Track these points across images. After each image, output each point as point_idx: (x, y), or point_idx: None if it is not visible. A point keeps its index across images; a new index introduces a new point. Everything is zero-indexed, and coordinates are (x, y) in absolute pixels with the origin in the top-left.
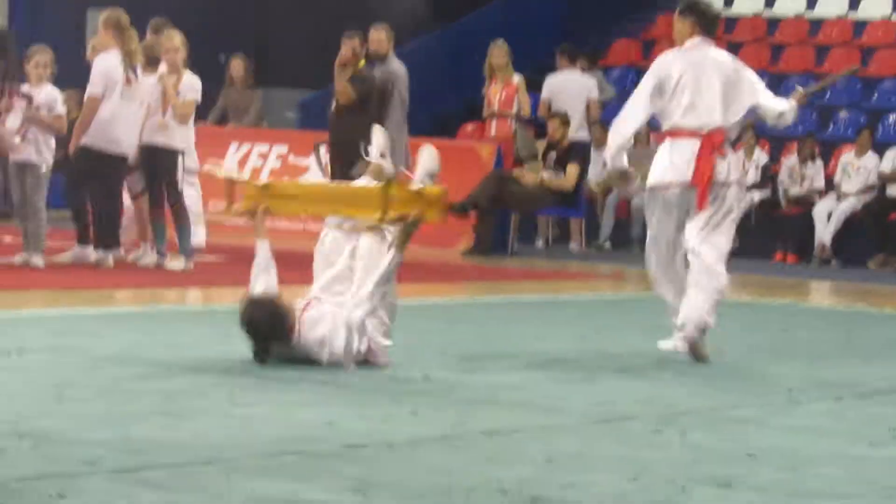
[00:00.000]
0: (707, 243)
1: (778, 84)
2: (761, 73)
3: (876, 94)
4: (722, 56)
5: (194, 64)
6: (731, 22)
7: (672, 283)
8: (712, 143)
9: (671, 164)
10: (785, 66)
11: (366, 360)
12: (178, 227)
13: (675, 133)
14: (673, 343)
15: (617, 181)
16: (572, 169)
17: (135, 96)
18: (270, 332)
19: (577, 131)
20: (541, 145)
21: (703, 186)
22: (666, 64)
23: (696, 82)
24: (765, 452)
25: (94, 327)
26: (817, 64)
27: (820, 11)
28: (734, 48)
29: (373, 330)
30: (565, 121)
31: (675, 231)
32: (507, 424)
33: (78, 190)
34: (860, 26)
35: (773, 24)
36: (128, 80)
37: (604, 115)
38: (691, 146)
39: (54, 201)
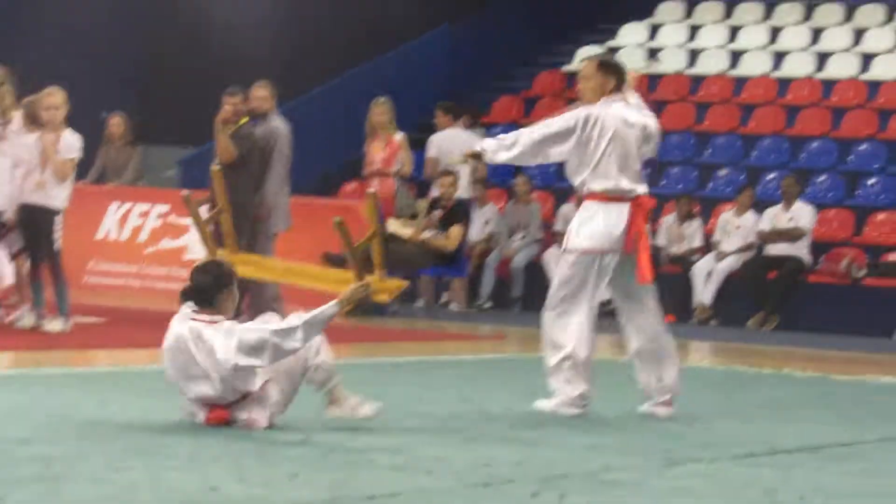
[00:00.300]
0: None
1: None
2: None
3: (756, 152)
4: (634, 114)
5: (76, 121)
6: None
7: (589, 344)
8: (644, 209)
9: (606, 229)
10: (666, 124)
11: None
12: (57, 288)
13: (608, 197)
14: (554, 404)
15: (463, 162)
16: (456, 230)
17: (7, 153)
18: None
19: (463, 190)
20: (423, 203)
21: (647, 256)
22: (595, 119)
23: (624, 143)
24: None
25: None
26: (697, 121)
27: (701, 68)
28: None
29: (276, 394)
30: (456, 180)
31: (600, 295)
32: (386, 488)
33: None
34: (740, 83)
35: (654, 81)
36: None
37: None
38: (624, 210)
39: None
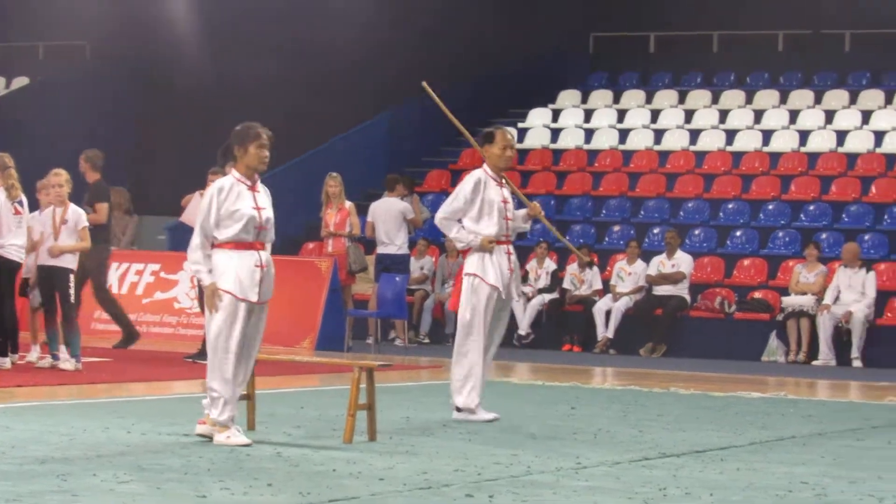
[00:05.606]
0: None
1: (562, 204)
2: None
3: (642, 212)
4: None
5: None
6: (525, 153)
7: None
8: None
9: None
10: (568, 190)
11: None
12: (70, 334)
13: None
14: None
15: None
16: None
17: (23, 225)
18: None
19: (399, 247)
20: (370, 259)
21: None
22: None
23: None
24: None
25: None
26: (594, 188)
27: (595, 144)
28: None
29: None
30: None
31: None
32: (346, 493)
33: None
34: (627, 156)
35: (557, 155)
36: (16, 211)
37: (418, 232)
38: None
39: None
